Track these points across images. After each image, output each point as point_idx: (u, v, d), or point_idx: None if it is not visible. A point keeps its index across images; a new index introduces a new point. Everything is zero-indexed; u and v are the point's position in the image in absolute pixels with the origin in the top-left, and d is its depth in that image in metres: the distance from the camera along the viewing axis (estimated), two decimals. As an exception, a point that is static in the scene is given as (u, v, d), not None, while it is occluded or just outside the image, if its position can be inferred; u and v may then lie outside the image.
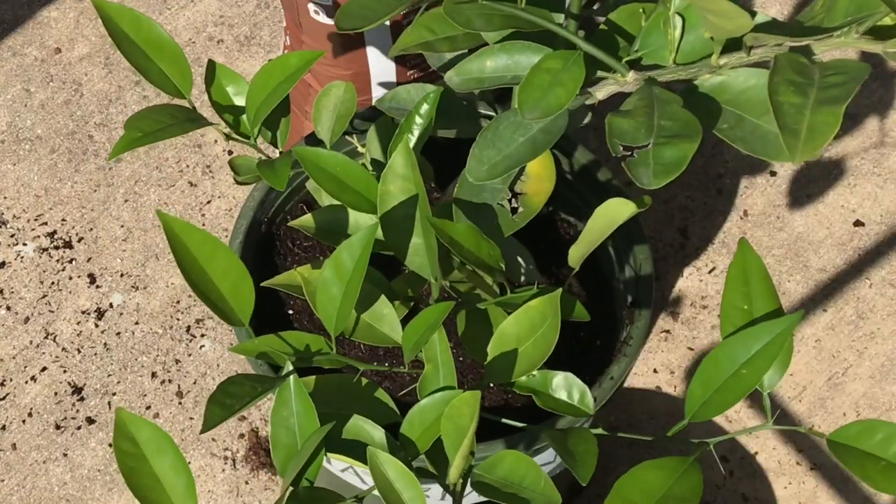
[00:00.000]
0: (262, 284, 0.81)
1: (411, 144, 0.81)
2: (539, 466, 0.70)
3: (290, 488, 0.68)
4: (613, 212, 0.74)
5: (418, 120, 0.82)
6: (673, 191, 1.35)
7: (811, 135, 0.55)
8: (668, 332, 1.27)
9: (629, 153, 0.64)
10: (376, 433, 0.72)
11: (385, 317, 0.76)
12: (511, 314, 0.76)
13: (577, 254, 0.78)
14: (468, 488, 0.72)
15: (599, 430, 0.75)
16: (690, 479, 0.66)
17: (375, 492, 0.69)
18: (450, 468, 0.68)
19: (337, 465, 0.95)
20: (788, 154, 0.55)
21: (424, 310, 0.74)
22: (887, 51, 0.60)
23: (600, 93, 0.74)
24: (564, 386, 0.77)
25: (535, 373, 0.76)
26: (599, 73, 0.73)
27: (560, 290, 0.73)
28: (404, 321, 0.76)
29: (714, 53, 0.68)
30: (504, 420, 0.80)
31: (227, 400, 0.66)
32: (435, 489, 0.94)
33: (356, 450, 0.71)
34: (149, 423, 0.67)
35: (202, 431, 0.63)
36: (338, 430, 0.72)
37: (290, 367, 0.71)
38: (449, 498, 0.92)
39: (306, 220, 0.84)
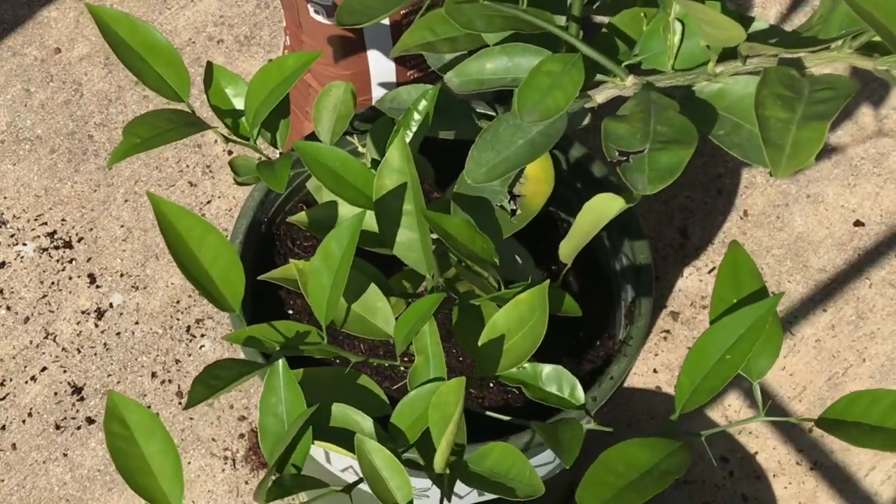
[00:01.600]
0: (259, 277, 0.81)
1: (408, 140, 0.81)
2: (525, 458, 0.70)
3: (276, 474, 0.68)
4: (602, 207, 0.74)
5: (416, 116, 0.82)
6: (673, 191, 1.35)
7: (795, 151, 0.55)
8: (668, 332, 1.27)
9: (625, 158, 0.64)
10: (365, 423, 0.72)
11: (378, 310, 0.77)
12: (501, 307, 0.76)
13: (567, 249, 0.78)
14: (468, 487, 0.72)
15: (593, 425, 0.75)
16: (678, 456, 0.67)
17: (362, 485, 0.70)
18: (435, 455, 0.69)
19: (337, 465, 0.95)
20: (772, 168, 0.55)
21: (416, 301, 0.74)
22: (877, 67, 0.60)
23: (599, 96, 0.74)
24: (555, 378, 0.77)
25: (525, 365, 0.77)
26: (599, 77, 0.73)
27: (548, 282, 0.74)
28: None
29: (711, 61, 0.68)
30: (489, 413, 0.80)
31: (211, 381, 0.66)
32: (434, 489, 0.94)
33: (345, 439, 0.72)
34: (139, 406, 0.67)
35: (185, 408, 0.64)
36: (326, 419, 0.72)
37: (277, 350, 0.71)
38: (455, 500, 0.93)
39: (304, 215, 0.84)
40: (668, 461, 0.66)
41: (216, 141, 1.38)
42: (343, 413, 0.73)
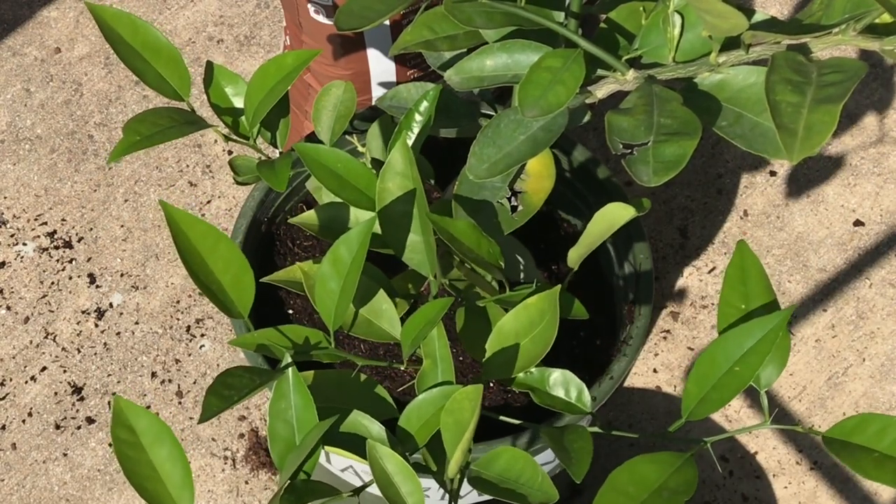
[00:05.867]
0: (262, 280, 0.81)
1: (410, 142, 0.81)
2: (536, 463, 0.70)
3: (288, 482, 0.68)
4: (612, 216, 0.74)
5: (417, 117, 0.82)
6: (673, 191, 1.35)
7: (808, 134, 0.55)
8: (668, 332, 1.27)
9: (629, 151, 0.64)
10: (374, 428, 0.72)
11: (384, 312, 0.77)
12: (509, 311, 0.76)
13: (575, 255, 0.78)
14: (467, 487, 0.72)
15: (596, 428, 0.75)
16: (685, 473, 0.66)
17: (371, 488, 0.69)
18: (448, 462, 0.68)
19: (337, 464, 0.95)
20: (786, 153, 0.55)
21: (424, 305, 0.74)
22: (884, 48, 0.60)
23: (600, 91, 0.74)
24: (562, 383, 0.77)
25: (532, 370, 0.77)
26: (599, 72, 0.74)
27: (559, 286, 0.74)
28: (404, 319, 0.77)
29: (713, 52, 0.68)
30: (502, 417, 0.80)
31: (225, 391, 0.66)
32: (435, 489, 0.94)
33: (353, 444, 0.71)
34: (147, 413, 0.67)
35: (200, 422, 0.64)
36: (336, 424, 0.72)
37: (289, 360, 0.71)
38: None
39: (306, 216, 0.84)
40: (676, 477, 0.66)
41: (216, 141, 1.38)
42: (352, 418, 0.73)
